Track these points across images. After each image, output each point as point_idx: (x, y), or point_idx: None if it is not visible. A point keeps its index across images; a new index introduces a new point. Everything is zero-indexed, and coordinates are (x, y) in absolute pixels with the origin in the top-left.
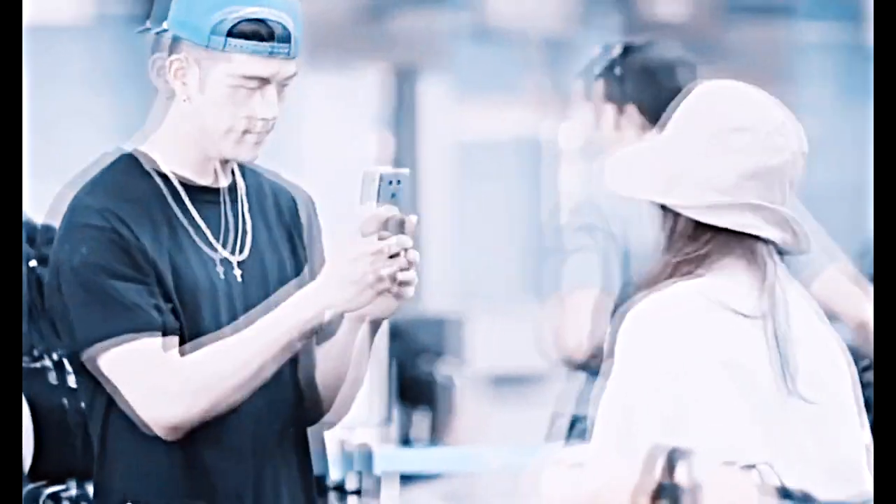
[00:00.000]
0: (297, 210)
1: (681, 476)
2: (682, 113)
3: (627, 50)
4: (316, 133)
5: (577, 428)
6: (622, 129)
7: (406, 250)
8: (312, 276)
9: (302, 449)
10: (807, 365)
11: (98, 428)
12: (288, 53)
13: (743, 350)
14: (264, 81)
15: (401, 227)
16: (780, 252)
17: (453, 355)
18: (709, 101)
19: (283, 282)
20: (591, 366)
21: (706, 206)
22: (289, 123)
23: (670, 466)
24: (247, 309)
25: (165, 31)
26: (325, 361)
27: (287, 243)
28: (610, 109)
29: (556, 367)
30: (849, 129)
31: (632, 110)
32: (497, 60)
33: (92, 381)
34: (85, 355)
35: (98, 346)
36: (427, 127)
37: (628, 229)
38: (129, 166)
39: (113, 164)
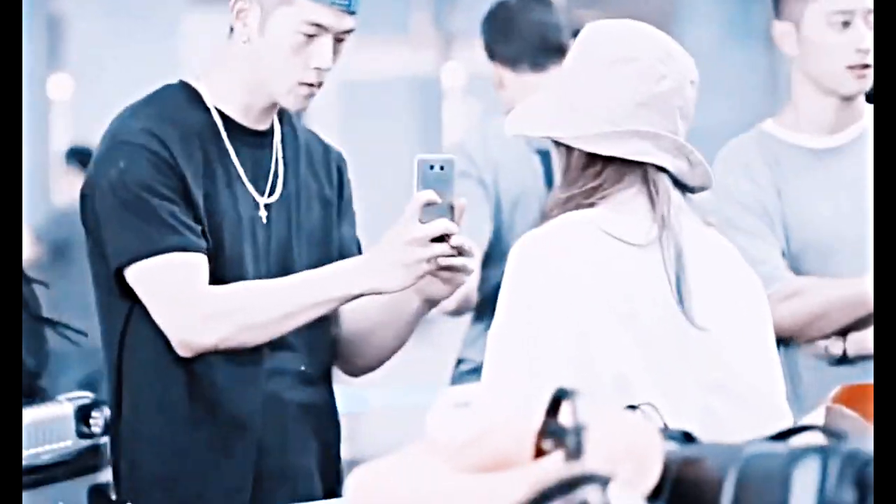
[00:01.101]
0: (342, 168)
1: (565, 416)
2: (573, 52)
3: (489, 15)
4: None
5: (459, 369)
6: (494, 83)
7: (449, 235)
8: (344, 233)
9: (321, 386)
10: (703, 294)
11: (115, 349)
12: (348, 6)
13: (630, 280)
14: (322, 30)
15: (448, 212)
16: (687, 189)
17: None
18: (596, 37)
19: (308, 229)
20: (462, 313)
21: (593, 136)
22: (172, 63)
23: (554, 406)
24: (270, 250)
25: None
26: (366, 318)
27: (318, 195)
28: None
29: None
30: (732, 71)
31: (492, 66)
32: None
33: (115, 302)
34: (114, 268)
35: (130, 258)
36: None
37: (500, 177)
38: (178, 94)
39: (161, 90)
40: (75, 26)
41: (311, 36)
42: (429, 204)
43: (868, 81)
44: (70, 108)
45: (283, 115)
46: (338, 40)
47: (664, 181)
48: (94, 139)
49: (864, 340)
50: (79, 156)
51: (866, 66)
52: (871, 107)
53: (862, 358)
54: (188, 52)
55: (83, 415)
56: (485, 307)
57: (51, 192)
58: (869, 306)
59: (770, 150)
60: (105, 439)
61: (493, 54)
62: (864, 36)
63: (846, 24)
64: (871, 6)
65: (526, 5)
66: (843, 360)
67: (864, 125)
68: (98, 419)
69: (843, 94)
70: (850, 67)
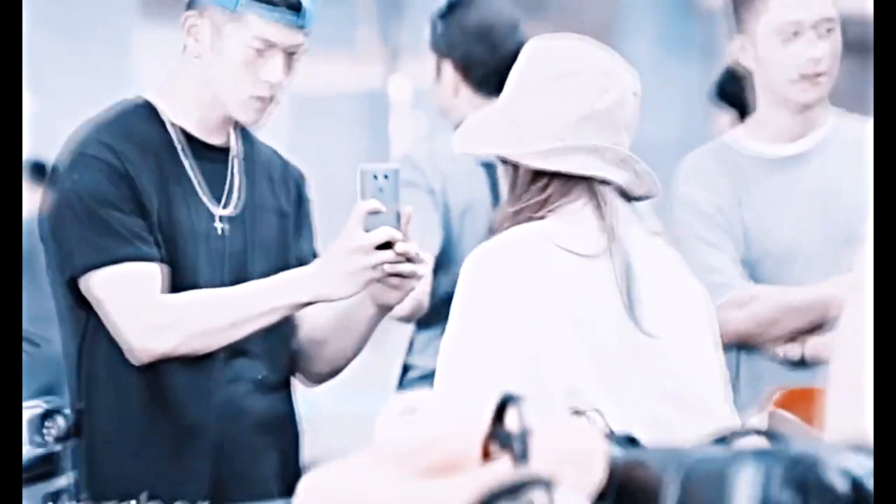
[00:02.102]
0: (301, 185)
1: (511, 422)
2: (517, 69)
3: (451, 6)
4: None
5: (408, 375)
6: (442, 84)
7: (394, 243)
8: (302, 248)
9: (281, 394)
10: (651, 302)
11: (75, 358)
12: (298, 23)
13: (580, 290)
14: (272, 46)
15: (394, 221)
16: (634, 198)
17: None
18: (539, 53)
19: (264, 243)
20: (414, 319)
21: (540, 152)
22: (125, 78)
23: (500, 412)
24: (226, 262)
25: None
26: (322, 326)
27: (276, 209)
28: (433, 61)
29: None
30: (671, 84)
31: (447, 66)
32: (327, 12)
33: (72, 311)
34: (70, 276)
35: (83, 268)
36: None
37: (448, 186)
38: (137, 109)
39: (121, 104)
40: (28, 42)
41: (261, 51)
42: (374, 213)
43: (824, 89)
44: (25, 123)
45: (244, 130)
46: (290, 54)
47: (611, 193)
48: (49, 153)
49: (820, 345)
50: (35, 169)
51: (819, 75)
52: (839, 112)
53: (820, 362)
54: (140, 67)
55: (37, 424)
56: (432, 314)
57: None
58: (822, 312)
59: (730, 160)
60: (59, 447)
61: (455, 58)
62: (814, 45)
63: (796, 34)
64: (823, 16)
65: (511, 32)
66: (802, 363)
67: (825, 132)
68: (52, 428)
69: (800, 104)
70: (804, 76)
